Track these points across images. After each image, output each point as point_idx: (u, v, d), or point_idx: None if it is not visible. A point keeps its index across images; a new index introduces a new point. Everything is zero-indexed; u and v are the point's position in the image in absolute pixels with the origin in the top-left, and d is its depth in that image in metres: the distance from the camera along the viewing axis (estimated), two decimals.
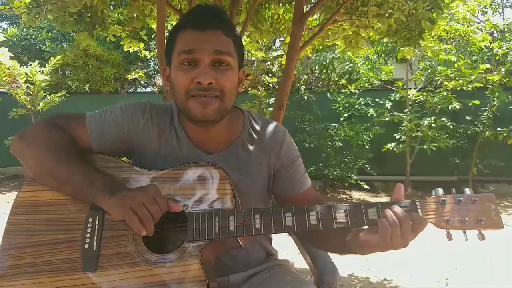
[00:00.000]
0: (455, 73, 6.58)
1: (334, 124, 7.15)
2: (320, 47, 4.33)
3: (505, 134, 6.63)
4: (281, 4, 3.38)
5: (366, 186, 6.93)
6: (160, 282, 0.92)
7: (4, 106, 7.04)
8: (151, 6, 3.19)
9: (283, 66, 3.75)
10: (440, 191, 0.94)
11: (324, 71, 8.16)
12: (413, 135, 6.66)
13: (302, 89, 7.67)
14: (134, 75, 7.54)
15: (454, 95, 6.64)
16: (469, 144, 7.08)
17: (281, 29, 3.57)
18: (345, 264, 3.24)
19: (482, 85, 6.81)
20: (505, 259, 3.63)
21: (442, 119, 6.59)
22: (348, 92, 7.42)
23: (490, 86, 6.92)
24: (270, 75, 7.67)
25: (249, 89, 7.27)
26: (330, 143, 7.07)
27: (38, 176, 1.01)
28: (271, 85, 7.58)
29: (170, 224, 0.98)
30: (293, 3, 3.01)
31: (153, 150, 1.09)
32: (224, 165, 1.03)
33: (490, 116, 6.81)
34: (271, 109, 6.31)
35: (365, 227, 0.97)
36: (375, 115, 6.97)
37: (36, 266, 0.94)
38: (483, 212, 0.90)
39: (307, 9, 2.97)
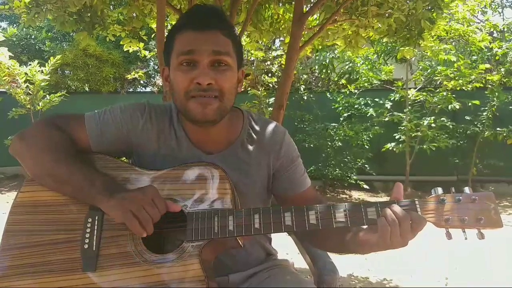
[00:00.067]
0: (454, 73, 6.58)
1: (333, 124, 7.15)
2: (320, 47, 4.33)
3: (504, 134, 6.63)
4: (281, 4, 3.38)
5: (365, 186, 6.94)
6: (160, 282, 0.92)
7: (4, 106, 7.03)
8: (150, 6, 3.19)
9: (283, 66, 3.75)
10: (440, 190, 0.94)
11: (324, 71, 8.16)
12: (413, 135, 6.66)
13: (302, 89, 7.67)
14: (134, 75, 7.55)
15: (453, 95, 6.64)
16: (469, 144, 7.08)
17: (281, 29, 3.57)
18: (345, 264, 3.24)
19: (481, 85, 6.81)
20: (505, 259, 3.63)
21: (442, 119, 6.59)
22: (347, 92, 7.42)
23: (489, 86, 6.92)
24: (269, 75, 7.67)
25: (249, 89, 7.27)
26: (329, 143, 7.07)
27: (38, 176, 1.01)
28: (270, 85, 7.57)
29: (170, 224, 0.98)
30: (293, 3, 3.01)
31: (152, 150, 1.09)
32: (224, 165, 1.03)
33: (490, 116, 6.81)
34: (270, 109, 6.31)
35: (365, 227, 0.97)
36: (374, 115, 6.97)
37: (36, 266, 0.94)
38: (483, 211, 0.90)
39: (307, 9, 2.97)
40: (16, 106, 6.43)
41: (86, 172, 0.97)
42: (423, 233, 0.91)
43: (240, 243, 0.98)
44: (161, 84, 9.23)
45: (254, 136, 1.14)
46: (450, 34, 6.51)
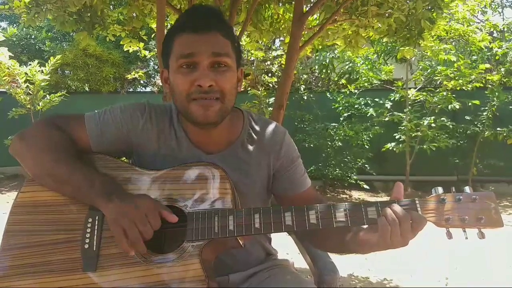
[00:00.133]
0: (454, 73, 6.58)
1: (333, 124, 7.15)
2: (320, 47, 4.33)
3: (504, 134, 6.63)
4: (280, 4, 3.38)
5: (365, 186, 6.93)
6: (160, 282, 0.92)
7: (4, 105, 7.03)
8: (150, 6, 3.19)
9: (283, 65, 3.75)
10: (440, 189, 0.93)
11: (324, 70, 8.16)
12: (413, 135, 6.66)
13: (302, 89, 7.67)
14: (134, 74, 7.55)
15: (453, 95, 6.64)
16: (469, 144, 7.08)
17: (281, 28, 3.57)
18: (345, 264, 3.24)
19: (481, 85, 6.81)
20: (505, 258, 3.63)
21: (442, 119, 6.59)
22: (347, 92, 7.42)
23: (489, 86, 6.92)
24: (269, 74, 7.67)
25: (249, 89, 7.27)
26: (329, 143, 7.07)
27: (38, 177, 1.01)
28: (270, 85, 7.57)
29: (170, 224, 0.98)
30: (293, 2, 3.01)
31: (152, 150, 1.09)
32: (224, 165, 1.03)
33: (490, 116, 6.81)
34: (270, 109, 6.31)
35: (365, 226, 0.97)
36: (374, 115, 6.97)
37: (36, 266, 0.94)
38: (483, 211, 0.90)
39: (307, 8, 2.97)
40: (16, 106, 6.42)
41: (85, 172, 0.97)
42: (423, 232, 0.91)
43: (241, 243, 0.98)
44: (161, 84, 9.22)
45: (254, 136, 1.14)
46: (450, 34, 6.51)
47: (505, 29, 8.59)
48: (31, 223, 0.98)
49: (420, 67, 7.04)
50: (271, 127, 1.17)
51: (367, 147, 7.03)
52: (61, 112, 1.15)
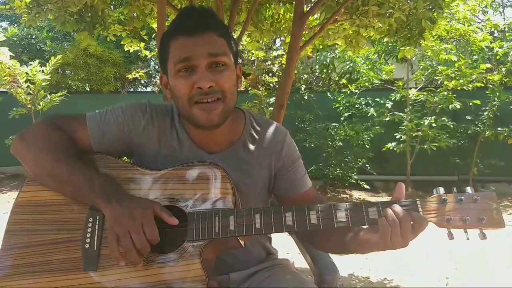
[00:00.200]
0: (455, 73, 6.57)
1: (334, 124, 7.15)
2: (321, 47, 4.32)
3: (505, 134, 6.63)
4: (281, 4, 3.38)
5: (366, 186, 6.93)
6: (160, 282, 0.92)
7: (5, 105, 7.03)
8: (151, 6, 3.19)
9: (284, 65, 3.75)
10: (441, 190, 0.93)
11: (325, 70, 8.15)
12: (414, 134, 6.66)
13: (303, 89, 7.66)
14: (135, 74, 7.54)
15: (454, 95, 6.63)
16: (470, 144, 7.07)
17: (281, 28, 3.57)
18: (345, 263, 3.24)
19: (482, 84, 6.80)
20: (505, 258, 3.62)
21: (443, 118, 6.58)
22: (348, 92, 7.42)
23: (490, 85, 6.91)
24: (270, 74, 7.66)
25: (250, 88, 7.27)
26: (330, 143, 7.07)
27: (38, 176, 1.02)
28: (271, 85, 7.57)
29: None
30: (294, 2, 3.00)
31: (154, 150, 1.09)
32: (225, 165, 1.03)
33: (491, 115, 6.80)
34: (271, 108, 6.30)
35: (365, 226, 0.97)
36: (375, 114, 6.96)
37: (37, 266, 0.94)
38: (484, 211, 0.89)
39: (308, 8, 2.97)
40: (17, 106, 6.43)
41: (86, 172, 0.97)
42: (423, 232, 0.91)
43: (242, 243, 0.98)
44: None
45: (256, 136, 1.14)
46: (451, 33, 6.49)
47: (506, 29, 8.57)
48: (32, 222, 0.98)
49: (421, 67, 7.03)
50: (272, 127, 1.17)
51: (367, 147, 7.02)
52: (62, 112, 1.15)
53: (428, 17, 2.86)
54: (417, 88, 7.08)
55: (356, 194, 7.09)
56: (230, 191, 0.99)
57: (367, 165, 7.15)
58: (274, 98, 6.08)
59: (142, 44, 3.91)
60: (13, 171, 7.64)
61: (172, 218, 0.93)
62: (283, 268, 1.19)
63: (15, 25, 10.92)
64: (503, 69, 7.30)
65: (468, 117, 6.99)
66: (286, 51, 3.26)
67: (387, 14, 2.92)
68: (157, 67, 10.02)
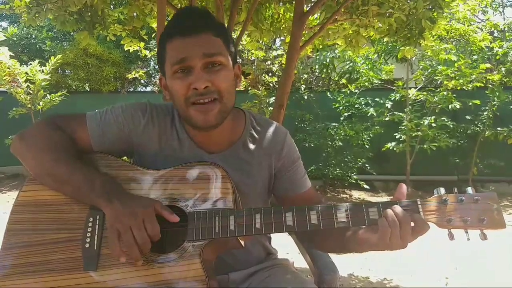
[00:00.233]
0: (455, 73, 6.57)
1: (334, 124, 7.15)
2: (321, 47, 4.32)
3: (505, 134, 6.63)
4: (281, 4, 3.38)
5: (366, 186, 6.93)
6: (161, 282, 0.92)
7: (4, 105, 7.03)
8: (151, 5, 3.19)
9: (283, 65, 3.75)
10: (442, 190, 0.93)
11: (324, 70, 8.15)
12: (413, 134, 6.66)
13: (302, 89, 7.66)
14: (134, 74, 7.54)
15: (454, 95, 6.64)
16: (469, 144, 7.08)
17: (281, 28, 3.57)
18: (345, 263, 3.24)
19: (482, 84, 6.80)
20: (505, 258, 3.62)
21: (442, 118, 6.58)
22: (348, 92, 7.42)
23: (490, 85, 6.92)
24: (270, 74, 7.66)
25: (249, 88, 7.27)
26: (330, 143, 7.07)
27: (38, 176, 1.02)
28: (271, 85, 7.57)
29: (171, 224, 0.98)
30: (294, 2, 3.00)
31: (154, 150, 1.09)
32: (225, 165, 1.03)
33: (490, 115, 6.80)
34: (271, 108, 6.30)
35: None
36: (375, 114, 6.97)
37: (37, 265, 0.94)
38: (485, 212, 0.89)
39: (308, 8, 2.97)
40: (16, 106, 6.43)
41: (86, 172, 0.97)
42: None
43: (242, 243, 0.98)
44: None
45: (256, 136, 1.14)
46: (451, 33, 6.49)
47: (506, 29, 8.57)
48: (32, 222, 0.98)
49: (421, 66, 7.03)
50: (272, 127, 1.17)
51: (367, 146, 7.02)
52: (62, 111, 1.15)
53: (428, 17, 2.86)
54: (417, 88, 7.08)
55: (356, 194, 7.09)
56: (230, 191, 0.99)
57: (366, 165, 7.15)
58: (274, 98, 6.08)
59: (142, 44, 3.91)
60: (13, 171, 7.64)
61: (173, 215, 0.93)
62: (283, 268, 1.19)
63: (15, 24, 10.93)
64: (503, 69, 7.30)
65: (468, 117, 6.99)
66: (286, 51, 3.26)
67: (387, 14, 2.92)
68: (156, 67, 10.03)
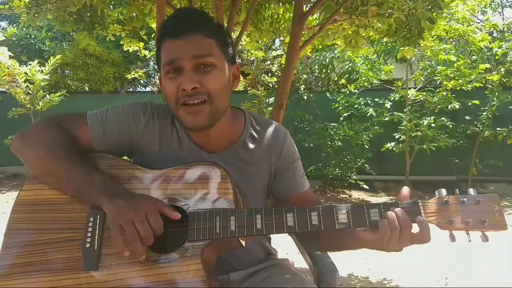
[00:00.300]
0: (454, 73, 6.58)
1: (333, 124, 7.15)
2: (320, 47, 4.33)
3: (504, 134, 6.64)
4: (281, 4, 3.37)
5: (365, 186, 6.93)
6: (161, 282, 0.92)
7: (4, 105, 7.04)
8: (150, 6, 3.19)
9: (283, 65, 3.74)
10: (443, 191, 0.93)
11: (324, 70, 8.16)
12: (413, 134, 6.66)
13: (302, 89, 7.67)
14: (134, 74, 7.55)
15: (453, 95, 6.65)
16: (469, 144, 7.08)
17: (281, 28, 3.57)
18: (345, 263, 3.25)
19: (481, 85, 6.81)
20: (505, 258, 3.63)
21: (442, 118, 6.59)
22: (347, 92, 7.43)
23: (489, 86, 6.93)
24: (269, 74, 7.66)
25: (249, 88, 7.27)
26: (329, 143, 7.07)
27: (39, 175, 1.02)
28: (270, 85, 7.57)
29: (171, 224, 0.98)
30: (293, 2, 3.00)
31: (154, 150, 1.09)
32: (225, 165, 1.03)
33: (490, 115, 6.81)
34: (270, 108, 6.30)
35: None
36: (374, 114, 6.98)
37: (37, 265, 0.94)
38: (487, 213, 0.89)
39: (307, 8, 2.96)
40: (16, 106, 6.43)
41: (86, 171, 0.97)
42: None
43: (242, 243, 0.98)
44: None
45: (256, 136, 1.14)
46: (450, 34, 6.51)
47: (505, 29, 8.59)
48: (32, 221, 0.98)
49: (420, 67, 7.04)
50: (272, 127, 1.17)
51: (367, 147, 7.03)
52: (61, 112, 1.14)
53: (427, 17, 2.86)
54: (416, 88, 7.09)
55: (355, 194, 7.09)
56: (231, 191, 0.99)
57: (366, 165, 7.16)
58: (273, 98, 6.08)
59: (141, 44, 3.90)
60: (13, 171, 7.64)
61: (175, 212, 0.93)
62: (283, 268, 1.19)
63: (14, 25, 10.92)
64: (502, 69, 7.32)
65: (467, 117, 7.00)
66: (286, 51, 3.26)
67: (387, 14, 2.92)
68: (156, 67, 10.03)
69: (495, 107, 6.78)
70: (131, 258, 0.93)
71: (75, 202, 0.99)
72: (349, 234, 0.98)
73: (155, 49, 1.12)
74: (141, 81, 10.36)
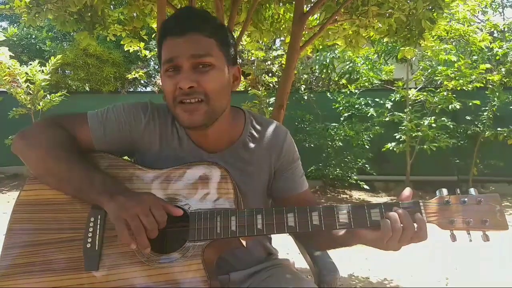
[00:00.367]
0: (455, 73, 6.57)
1: (334, 124, 7.15)
2: (320, 47, 4.32)
3: (505, 134, 6.63)
4: (281, 4, 3.37)
5: (366, 186, 6.93)
6: (162, 282, 0.92)
7: (4, 105, 7.04)
8: (151, 6, 3.19)
9: (283, 65, 3.75)
10: (444, 191, 0.93)
11: (324, 70, 8.16)
12: (413, 135, 6.66)
13: (302, 89, 7.66)
14: (134, 74, 7.54)
15: (454, 95, 6.64)
16: (469, 144, 7.08)
17: (281, 28, 3.57)
18: (345, 264, 3.25)
19: (482, 85, 6.80)
20: (505, 258, 3.62)
21: (442, 119, 6.58)
22: (348, 92, 7.42)
23: (490, 86, 6.92)
24: (270, 74, 7.66)
25: (249, 88, 7.27)
26: (330, 143, 7.07)
27: (39, 175, 1.02)
28: (271, 85, 7.57)
29: (172, 224, 0.98)
30: (293, 2, 3.00)
31: (155, 149, 1.09)
32: (225, 165, 1.03)
33: (490, 116, 6.81)
34: (271, 108, 6.30)
35: None
36: (375, 115, 6.97)
37: (38, 265, 0.94)
38: (488, 213, 0.89)
39: (307, 8, 2.96)
40: (16, 106, 6.43)
41: (87, 171, 0.97)
42: None
43: (243, 243, 0.98)
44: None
45: (256, 135, 1.14)
46: (451, 34, 6.50)
47: (506, 29, 8.58)
48: (33, 221, 0.98)
49: (421, 67, 7.04)
50: (272, 126, 1.17)
51: (367, 147, 7.02)
52: (62, 112, 1.14)
53: (428, 17, 2.86)
54: (417, 89, 7.08)
55: (356, 195, 7.09)
56: (232, 191, 0.99)
57: (366, 165, 7.15)
58: (274, 98, 6.09)
59: (142, 44, 3.90)
60: (13, 171, 7.64)
61: (177, 209, 0.93)
62: (283, 268, 1.19)
63: (15, 25, 10.92)
64: (503, 69, 7.31)
65: (468, 117, 6.99)
66: (286, 51, 3.26)
67: (387, 14, 2.92)
68: (156, 67, 10.04)
69: (495, 107, 6.78)
70: (132, 258, 0.93)
71: (76, 202, 0.99)
72: (348, 231, 0.98)
73: (156, 48, 1.12)
74: (142, 81, 10.36)
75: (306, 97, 7.57)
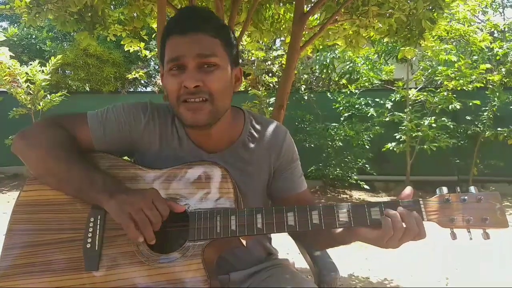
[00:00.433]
0: (455, 73, 6.57)
1: (334, 124, 7.14)
2: (321, 47, 4.32)
3: (505, 134, 6.63)
4: (281, 4, 3.37)
5: (366, 186, 6.92)
6: (162, 282, 0.92)
7: (4, 105, 7.04)
8: (151, 6, 3.19)
9: (284, 65, 3.75)
10: (445, 189, 0.93)
11: (325, 70, 8.15)
12: (414, 135, 6.65)
13: (303, 89, 7.66)
14: (135, 74, 7.54)
15: (454, 95, 6.64)
16: (470, 144, 7.07)
17: (281, 28, 3.57)
18: (345, 264, 3.24)
19: (482, 85, 6.80)
20: (506, 258, 3.62)
21: (443, 119, 6.58)
22: (348, 92, 7.42)
23: (490, 86, 6.91)
24: (270, 74, 7.66)
25: (250, 89, 7.27)
26: (330, 143, 7.07)
27: (39, 175, 1.02)
28: (271, 85, 7.56)
29: (172, 223, 0.98)
30: (294, 2, 3.00)
31: (155, 149, 1.09)
32: (225, 165, 1.03)
33: (491, 116, 6.80)
34: (271, 108, 6.30)
35: None
36: (375, 115, 6.96)
37: (38, 265, 0.94)
38: (488, 211, 0.89)
39: (308, 8, 2.96)
40: (16, 106, 6.43)
41: (86, 170, 0.97)
42: None
43: (243, 242, 0.98)
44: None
45: (256, 135, 1.14)
46: (451, 34, 6.50)
47: (506, 29, 8.57)
48: (33, 222, 0.98)
49: (421, 67, 7.04)
50: (272, 126, 1.17)
51: (367, 147, 7.02)
52: (62, 112, 1.14)
53: (428, 17, 2.86)
54: (417, 89, 7.08)
55: (356, 195, 7.09)
56: (231, 190, 0.99)
57: (367, 165, 7.15)
58: (274, 98, 6.08)
59: (142, 44, 3.91)
60: (13, 171, 7.65)
61: (178, 205, 0.94)
62: (283, 268, 1.19)
63: (15, 25, 10.92)
64: (503, 69, 7.30)
65: (468, 118, 6.99)
66: (286, 51, 3.26)
67: (387, 14, 2.92)
68: (157, 67, 10.03)
69: (496, 107, 6.77)
70: (132, 258, 0.94)
71: (76, 202, 0.99)
72: (347, 229, 0.98)
73: (158, 47, 1.13)
74: (142, 81, 10.36)
75: (306, 97, 7.57)
